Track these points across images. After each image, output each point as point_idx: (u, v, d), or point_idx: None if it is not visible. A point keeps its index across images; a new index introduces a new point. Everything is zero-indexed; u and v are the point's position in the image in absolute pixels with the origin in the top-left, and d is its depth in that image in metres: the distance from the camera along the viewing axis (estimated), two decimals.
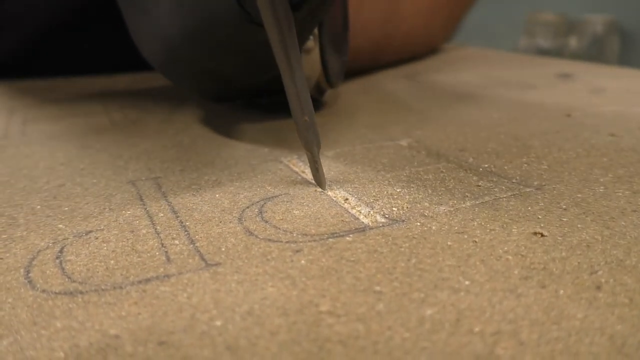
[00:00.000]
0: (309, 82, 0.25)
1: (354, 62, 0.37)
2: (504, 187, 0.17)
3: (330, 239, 0.14)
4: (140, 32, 0.24)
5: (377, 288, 0.11)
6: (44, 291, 0.11)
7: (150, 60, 0.25)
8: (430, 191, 0.17)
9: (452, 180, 0.17)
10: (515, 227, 0.14)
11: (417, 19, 0.43)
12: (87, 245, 0.13)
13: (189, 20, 0.20)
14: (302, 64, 0.16)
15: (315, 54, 0.25)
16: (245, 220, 0.15)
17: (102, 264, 0.13)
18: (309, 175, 0.18)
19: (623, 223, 0.14)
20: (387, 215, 0.15)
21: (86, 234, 0.14)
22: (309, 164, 0.17)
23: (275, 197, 0.16)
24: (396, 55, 0.44)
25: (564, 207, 0.15)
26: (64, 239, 0.14)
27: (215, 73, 0.23)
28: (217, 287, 0.11)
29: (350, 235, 0.14)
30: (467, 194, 0.16)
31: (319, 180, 0.17)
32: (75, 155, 0.21)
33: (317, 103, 0.28)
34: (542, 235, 0.13)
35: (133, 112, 0.29)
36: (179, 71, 0.25)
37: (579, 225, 0.14)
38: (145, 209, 0.16)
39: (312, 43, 0.25)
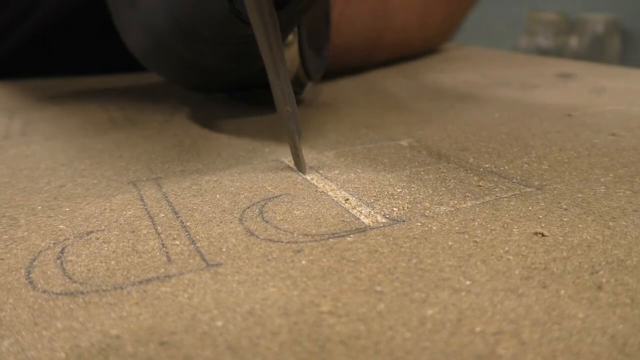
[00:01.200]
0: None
1: (345, 58, 0.37)
2: (504, 187, 0.17)
3: (331, 239, 0.14)
4: (127, 23, 0.25)
5: (378, 288, 0.11)
6: (45, 292, 0.11)
7: (134, 50, 0.26)
8: (431, 191, 0.16)
9: (452, 180, 0.17)
10: (516, 227, 0.14)
11: (411, 16, 0.43)
12: (88, 246, 0.13)
13: (176, 12, 0.20)
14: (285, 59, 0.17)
15: (294, 48, 0.25)
16: (246, 221, 0.15)
17: (103, 264, 0.13)
18: (309, 175, 0.18)
19: (624, 223, 0.14)
20: (387, 216, 0.15)
21: (87, 235, 0.14)
22: (290, 151, 0.18)
23: (276, 197, 0.16)
24: (392, 52, 0.44)
25: (565, 207, 0.15)
26: (65, 240, 0.14)
27: (198, 64, 0.23)
28: (218, 287, 0.11)
29: (351, 236, 0.14)
30: (467, 194, 0.16)
31: (300, 165, 0.18)
32: (76, 156, 0.21)
33: (297, 97, 0.29)
34: (543, 235, 0.13)
35: (133, 112, 0.29)
36: (162, 61, 0.25)
37: (579, 225, 0.14)
38: (146, 209, 0.16)
39: (291, 37, 0.25)
